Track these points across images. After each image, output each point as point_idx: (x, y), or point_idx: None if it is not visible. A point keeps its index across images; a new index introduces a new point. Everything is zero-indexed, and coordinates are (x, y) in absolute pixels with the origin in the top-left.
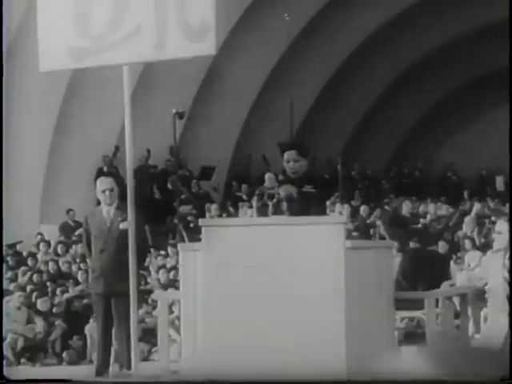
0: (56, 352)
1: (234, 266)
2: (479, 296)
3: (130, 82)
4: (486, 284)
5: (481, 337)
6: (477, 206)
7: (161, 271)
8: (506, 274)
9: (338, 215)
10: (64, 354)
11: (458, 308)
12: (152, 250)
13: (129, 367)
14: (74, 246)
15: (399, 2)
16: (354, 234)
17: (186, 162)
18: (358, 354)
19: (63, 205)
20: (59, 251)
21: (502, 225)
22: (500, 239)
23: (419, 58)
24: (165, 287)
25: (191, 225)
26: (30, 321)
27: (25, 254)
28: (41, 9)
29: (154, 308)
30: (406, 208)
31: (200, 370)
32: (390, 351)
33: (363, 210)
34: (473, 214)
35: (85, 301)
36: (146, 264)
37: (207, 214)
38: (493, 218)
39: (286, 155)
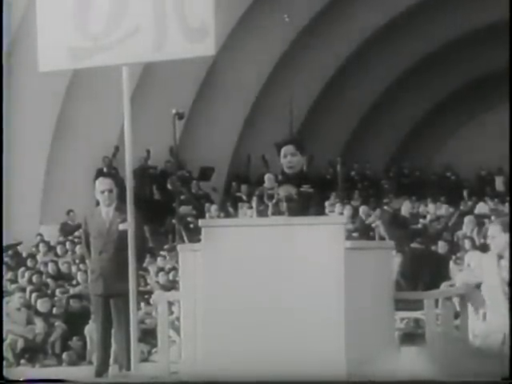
0: (56, 353)
1: (233, 267)
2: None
3: (130, 83)
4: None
5: (480, 337)
6: (479, 206)
7: (160, 274)
8: (504, 274)
9: (337, 215)
10: (64, 355)
11: (458, 308)
12: (151, 250)
13: (128, 368)
14: (73, 247)
15: (400, 2)
16: (354, 234)
17: (186, 162)
18: (358, 355)
19: (63, 206)
20: (59, 252)
21: (493, 229)
22: (494, 243)
23: (419, 58)
24: (164, 288)
25: (191, 225)
26: (29, 322)
27: (24, 254)
28: (40, 9)
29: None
30: (405, 208)
31: (200, 370)
32: (389, 352)
33: (363, 210)
34: (475, 212)
35: (84, 302)
36: (144, 265)
37: (207, 215)
38: (492, 218)
39: (283, 150)
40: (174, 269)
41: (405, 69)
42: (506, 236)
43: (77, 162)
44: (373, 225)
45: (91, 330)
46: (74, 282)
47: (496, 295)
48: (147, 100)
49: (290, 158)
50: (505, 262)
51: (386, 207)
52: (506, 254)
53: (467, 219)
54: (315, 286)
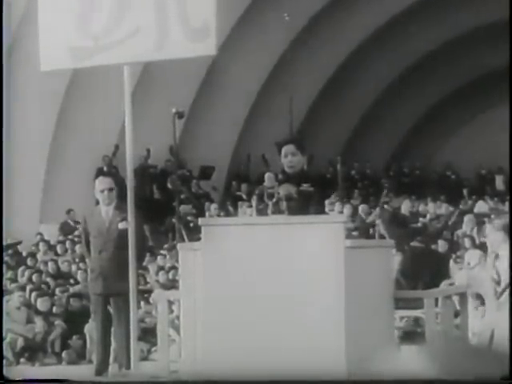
0: (55, 352)
1: (233, 266)
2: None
3: (130, 82)
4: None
5: (478, 336)
6: (479, 205)
7: (160, 272)
8: (495, 276)
9: (337, 214)
10: (63, 354)
11: (458, 307)
12: (151, 249)
13: (128, 367)
14: (73, 246)
15: (399, 2)
16: (354, 233)
17: (186, 161)
18: (358, 354)
19: (63, 205)
20: (59, 251)
21: (488, 227)
22: (489, 241)
23: (419, 57)
24: (164, 287)
25: (191, 224)
26: (29, 321)
27: (24, 253)
28: (42, 8)
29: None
30: (405, 207)
31: (199, 369)
32: (389, 350)
33: (362, 209)
34: (475, 211)
35: (84, 301)
36: (144, 264)
37: (207, 214)
38: (492, 217)
39: (284, 150)
40: (174, 268)
41: (405, 68)
42: (499, 234)
43: (77, 161)
44: (377, 221)
45: (91, 328)
46: (74, 281)
47: (490, 293)
48: (147, 99)
49: (290, 158)
50: (498, 261)
51: (385, 206)
52: (501, 253)
53: (467, 218)
54: (315, 285)
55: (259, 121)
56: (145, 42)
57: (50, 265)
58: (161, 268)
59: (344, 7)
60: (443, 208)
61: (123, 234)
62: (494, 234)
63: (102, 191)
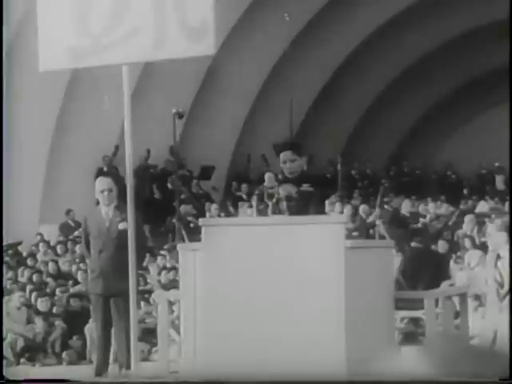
0: (56, 352)
1: (233, 266)
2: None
3: (130, 82)
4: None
5: (479, 337)
6: (480, 205)
7: (163, 272)
8: (497, 276)
9: (338, 215)
10: (64, 354)
11: (458, 308)
12: (151, 250)
13: (128, 367)
14: (73, 246)
15: (399, 2)
16: (354, 233)
17: (186, 161)
18: (358, 354)
19: (63, 205)
20: (59, 251)
21: (490, 227)
22: (491, 241)
23: (419, 57)
24: (164, 288)
25: (191, 225)
26: (29, 321)
27: (25, 254)
28: (40, 9)
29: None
30: (405, 207)
31: (200, 370)
32: (389, 351)
33: (363, 209)
34: (476, 211)
35: (84, 301)
36: (144, 264)
37: (207, 214)
38: (493, 217)
39: (282, 156)
40: (175, 268)
41: (405, 68)
42: (501, 235)
43: (77, 161)
44: (377, 222)
45: (91, 329)
46: (74, 282)
47: (492, 293)
48: (147, 99)
49: (289, 165)
50: (500, 262)
51: (386, 206)
52: (502, 253)
53: (467, 218)
54: (315, 285)
55: (259, 121)
56: (144, 41)
57: (51, 265)
58: (163, 268)
59: (344, 7)
60: (443, 208)
61: (123, 235)
62: (495, 234)
63: (102, 191)
